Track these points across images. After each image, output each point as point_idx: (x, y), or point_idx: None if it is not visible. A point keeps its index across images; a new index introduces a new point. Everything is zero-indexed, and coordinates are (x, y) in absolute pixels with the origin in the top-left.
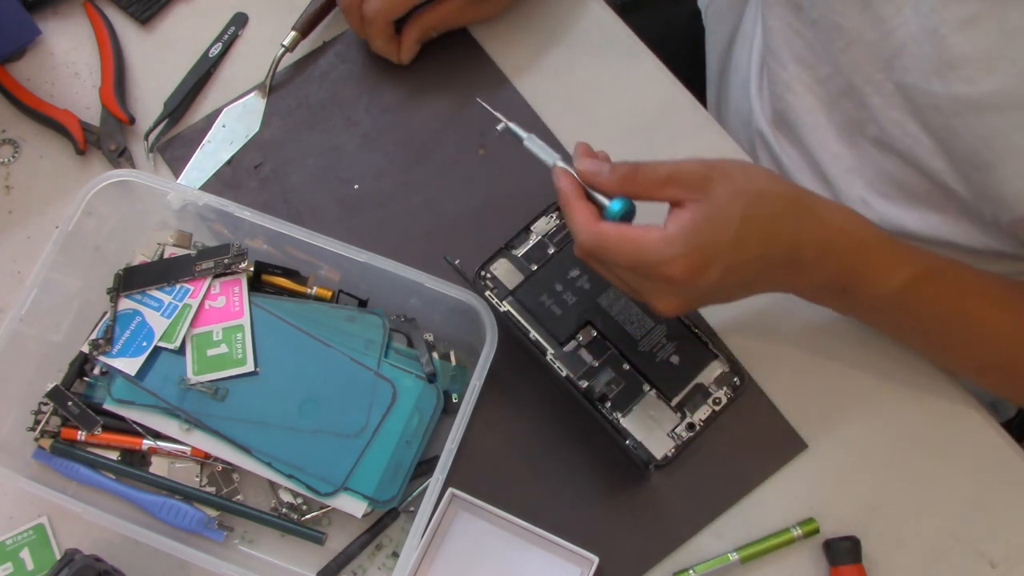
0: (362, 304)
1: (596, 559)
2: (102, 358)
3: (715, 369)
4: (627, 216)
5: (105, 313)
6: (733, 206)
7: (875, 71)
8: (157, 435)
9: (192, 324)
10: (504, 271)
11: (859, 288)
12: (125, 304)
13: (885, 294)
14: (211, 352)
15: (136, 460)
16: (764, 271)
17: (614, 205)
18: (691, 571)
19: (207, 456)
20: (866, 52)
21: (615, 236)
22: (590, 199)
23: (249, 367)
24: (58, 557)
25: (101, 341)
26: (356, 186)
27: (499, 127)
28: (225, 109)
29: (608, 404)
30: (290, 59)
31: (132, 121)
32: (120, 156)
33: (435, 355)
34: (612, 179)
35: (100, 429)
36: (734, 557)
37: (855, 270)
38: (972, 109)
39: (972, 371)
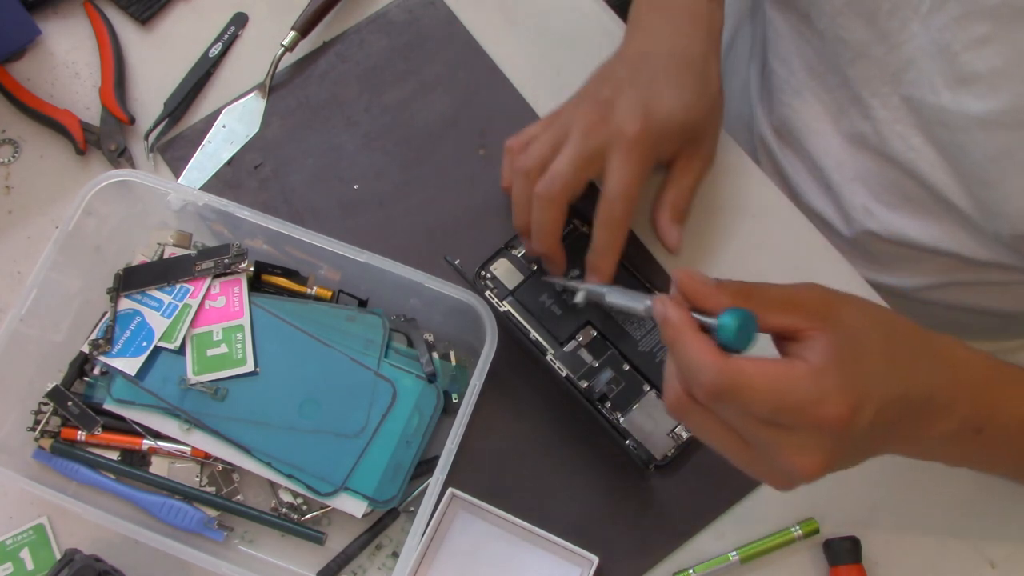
0: (362, 304)
1: (596, 559)
2: (102, 358)
3: None
4: (746, 331)
5: (105, 313)
6: (873, 335)
7: (880, 84)
8: (157, 435)
9: (192, 324)
10: (504, 271)
11: (995, 422)
12: (125, 304)
13: (1020, 421)
14: (211, 352)
15: (136, 460)
16: (903, 416)
17: (726, 318)
18: (691, 571)
19: (207, 456)
20: (872, 66)
21: (755, 372)
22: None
23: (249, 367)
24: (58, 557)
25: (101, 341)
26: (356, 186)
27: (578, 298)
28: (225, 109)
29: (608, 404)
30: (290, 59)
31: (132, 121)
32: (120, 156)
33: (435, 355)
34: (722, 298)
35: (100, 429)
36: (734, 557)
37: (991, 403)
38: (980, 126)
39: None
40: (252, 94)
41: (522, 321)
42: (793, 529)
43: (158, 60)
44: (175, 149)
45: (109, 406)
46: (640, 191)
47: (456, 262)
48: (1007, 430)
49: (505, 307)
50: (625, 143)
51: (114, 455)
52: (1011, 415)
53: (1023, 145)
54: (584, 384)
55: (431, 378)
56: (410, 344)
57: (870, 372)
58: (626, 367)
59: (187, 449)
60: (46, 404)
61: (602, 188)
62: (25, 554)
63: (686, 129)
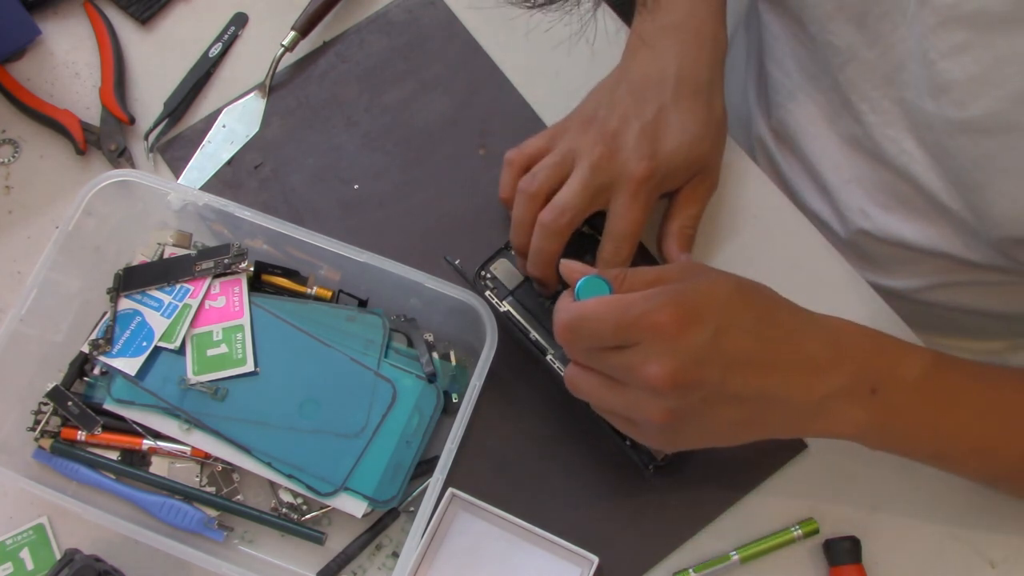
0: (362, 304)
1: (596, 559)
2: (102, 358)
3: None
4: (587, 285)
5: (105, 313)
6: (725, 281)
7: (871, 88)
8: (157, 435)
9: (192, 324)
10: (504, 271)
11: (890, 382)
12: (125, 304)
13: (915, 383)
14: (211, 352)
15: (136, 460)
16: (764, 355)
17: (580, 281)
18: (691, 571)
19: (207, 456)
20: (863, 70)
21: (595, 303)
22: None
23: (249, 367)
24: (58, 557)
25: (101, 341)
26: (356, 186)
27: None
28: (225, 109)
29: None
30: (290, 59)
31: (132, 121)
32: (120, 156)
33: (435, 355)
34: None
35: (100, 429)
36: (734, 557)
37: (879, 362)
38: (962, 131)
39: None
40: (252, 94)
41: (522, 321)
42: (793, 529)
43: (158, 60)
44: (175, 149)
45: (109, 406)
46: (645, 226)
47: (456, 262)
48: (899, 392)
49: (505, 307)
50: (633, 184)
51: (114, 455)
52: (901, 375)
53: (1004, 150)
54: None
55: (431, 378)
56: (410, 344)
57: (708, 300)
58: None
59: (187, 449)
60: (46, 404)
61: (607, 225)
62: (25, 554)
63: (692, 163)
